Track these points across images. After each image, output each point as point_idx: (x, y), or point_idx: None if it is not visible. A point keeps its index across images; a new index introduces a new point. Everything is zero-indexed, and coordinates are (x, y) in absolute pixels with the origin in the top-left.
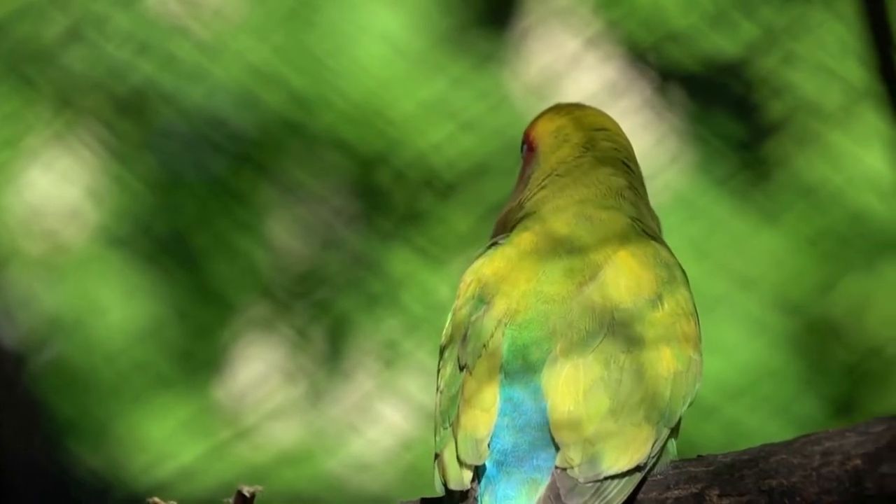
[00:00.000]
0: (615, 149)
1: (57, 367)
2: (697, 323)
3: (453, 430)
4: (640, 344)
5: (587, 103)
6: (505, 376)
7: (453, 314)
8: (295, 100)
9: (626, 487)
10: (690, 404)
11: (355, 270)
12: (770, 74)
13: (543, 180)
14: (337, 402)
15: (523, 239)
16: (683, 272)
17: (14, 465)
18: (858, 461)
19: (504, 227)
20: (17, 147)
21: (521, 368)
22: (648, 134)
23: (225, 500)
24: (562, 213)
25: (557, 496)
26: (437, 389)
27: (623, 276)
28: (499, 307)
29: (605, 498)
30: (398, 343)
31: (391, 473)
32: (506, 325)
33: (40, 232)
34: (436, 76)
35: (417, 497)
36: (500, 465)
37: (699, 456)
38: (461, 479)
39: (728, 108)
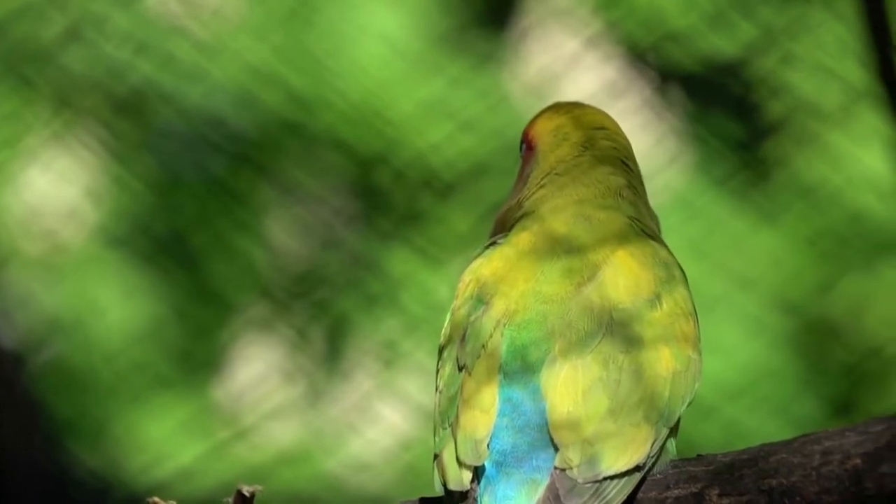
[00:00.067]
0: (614, 148)
1: (56, 367)
2: (696, 322)
3: (452, 431)
4: (638, 344)
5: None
6: (504, 377)
7: (452, 314)
8: (294, 100)
9: (625, 487)
10: (689, 404)
11: (354, 270)
12: (769, 75)
13: (542, 179)
14: (336, 402)
15: (522, 239)
16: (682, 271)
17: (13, 465)
18: (858, 460)
19: (503, 226)
20: (15, 147)
21: (520, 369)
22: (647, 134)
23: (224, 500)
24: (560, 212)
25: (557, 497)
26: (436, 390)
27: (622, 276)
28: (497, 307)
29: (604, 498)
30: (397, 343)
31: (390, 473)
32: (504, 326)
33: (39, 232)
34: (435, 76)
35: (416, 497)
36: (499, 465)
37: (699, 455)
38: (461, 479)
39: (727, 109)
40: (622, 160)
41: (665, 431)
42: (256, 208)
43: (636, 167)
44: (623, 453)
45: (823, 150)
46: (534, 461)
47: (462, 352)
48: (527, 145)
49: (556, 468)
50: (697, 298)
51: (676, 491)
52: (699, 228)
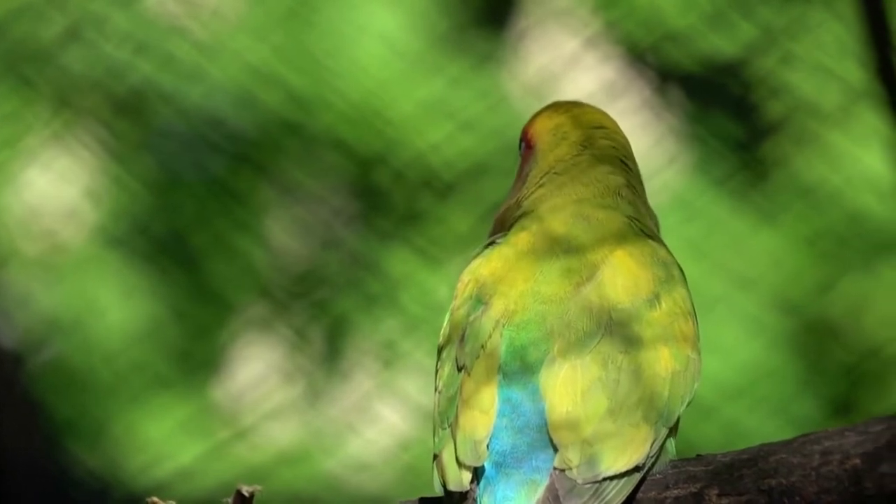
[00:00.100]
0: (613, 147)
1: (55, 367)
2: (695, 322)
3: (452, 431)
4: (637, 344)
5: None
6: (503, 377)
7: (451, 314)
8: (293, 100)
9: (624, 488)
10: (689, 404)
11: (354, 270)
12: (768, 75)
13: (541, 178)
14: (335, 402)
15: (521, 239)
16: (681, 271)
17: (13, 465)
18: (857, 461)
19: (502, 225)
20: (15, 147)
21: (520, 369)
22: (647, 134)
23: (224, 500)
24: (559, 212)
25: (556, 497)
26: (436, 390)
27: (620, 276)
28: (496, 308)
29: (603, 498)
30: (397, 343)
31: (389, 473)
32: (504, 326)
33: (39, 232)
34: (434, 76)
35: (416, 497)
36: (498, 466)
37: (698, 455)
38: (460, 480)
39: (726, 109)
40: (621, 159)
41: (664, 431)
42: (256, 208)
43: (635, 166)
44: (622, 453)
45: (823, 151)
46: (533, 462)
47: (461, 352)
48: (526, 144)
49: (555, 469)
50: (697, 298)
51: (676, 491)
52: (698, 229)
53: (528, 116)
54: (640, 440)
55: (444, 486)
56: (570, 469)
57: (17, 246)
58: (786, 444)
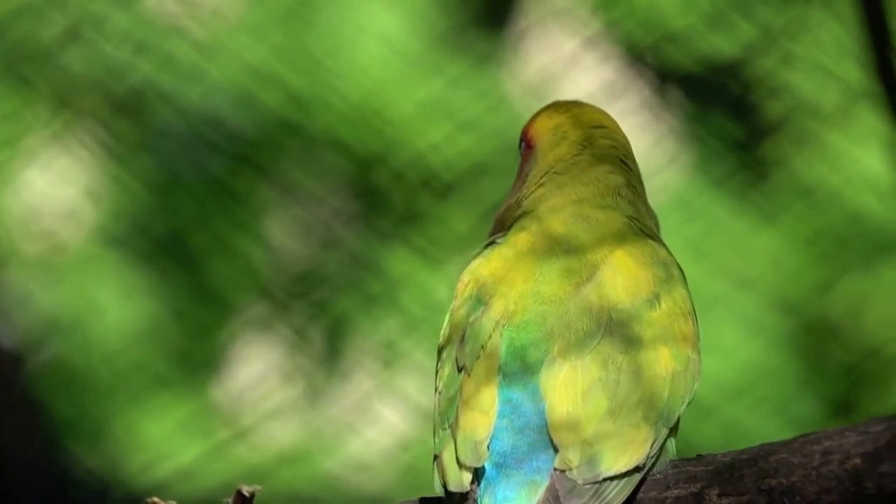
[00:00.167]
0: (613, 146)
1: (55, 367)
2: (695, 322)
3: (452, 432)
4: (637, 344)
5: None
6: (503, 378)
7: (451, 315)
8: (293, 100)
9: (625, 488)
10: (689, 404)
11: (354, 271)
12: (768, 75)
13: (541, 178)
14: (335, 402)
15: (520, 239)
16: (681, 271)
17: (13, 465)
18: (858, 460)
19: (502, 225)
20: (15, 147)
21: (520, 370)
22: (646, 134)
23: (224, 500)
24: (559, 212)
25: (557, 498)
26: (436, 390)
27: (620, 276)
28: (496, 308)
29: (604, 499)
30: (396, 343)
31: (389, 474)
32: (504, 327)
33: (38, 232)
34: (434, 76)
35: (416, 497)
36: (499, 466)
37: (698, 455)
38: (461, 480)
39: (726, 109)
40: (621, 159)
41: (665, 431)
42: (256, 208)
43: (635, 166)
44: (623, 454)
45: (822, 151)
46: (534, 462)
47: (461, 352)
48: (526, 144)
49: (555, 469)
50: (696, 299)
51: (676, 491)
52: (698, 229)
53: (527, 116)
54: (640, 440)
55: (444, 486)
56: (571, 469)
57: (17, 246)
58: (786, 444)
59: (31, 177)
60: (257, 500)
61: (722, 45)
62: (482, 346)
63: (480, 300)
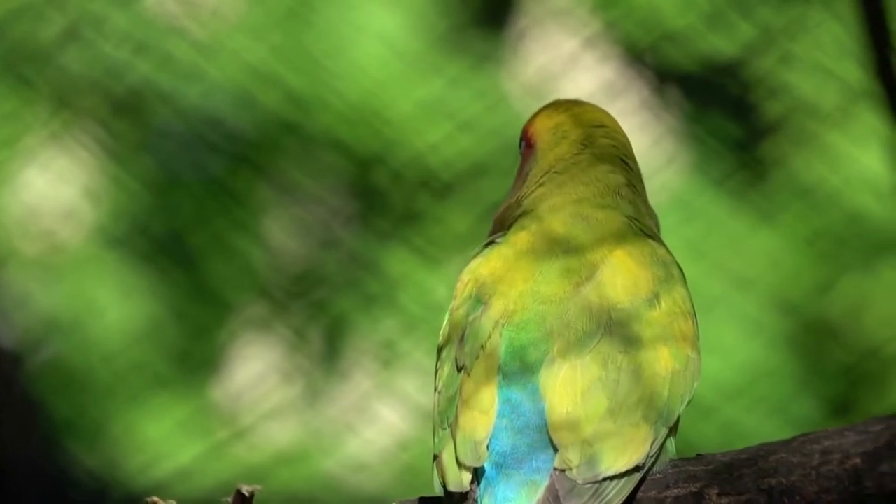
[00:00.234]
0: (613, 146)
1: (54, 367)
2: (695, 322)
3: (452, 432)
4: (637, 343)
5: None
6: (503, 377)
7: (450, 314)
8: (292, 100)
9: (624, 488)
10: (689, 403)
11: (353, 270)
12: (767, 75)
13: (541, 177)
14: (334, 402)
15: (520, 238)
16: (681, 270)
17: (12, 465)
18: (857, 460)
19: (502, 224)
20: (14, 147)
21: (519, 369)
22: (646, 134)
23: (224, 500)
24: (559, 211)
25: (556, 498)
26: (435, 390)
27: (620, 276)
28: (496, 308)
29: (603, 498)
30: (395, 343)
31: (388, 474)
32: (503, 326)
33: (37, 232)
34: (433, 76)
35: (415, 497)
36: (499, 466)
37: (698, 455)
38: (460, 480)
39: (725, 109)
40: (621, 158)
41: (664, 431)
42: (255, 208)
43: (636, 165)
44: (622, 453)
45: (822, 151)
46: (533, 462)
47: (461, 352)
48: (526, 143)
49: (555, 469)
50: (696, 298)
51: (676, 490)
52: (697, 229)
53: (526, 116)
54: (639, 440)
55: (443, 486)
56: (570, 469)
57: (16, 246)
58: (785, 444)
59: (31, 177)
60: (256, 500)
61: (721, 44)
62: (482, 346)
63: (480, 300)
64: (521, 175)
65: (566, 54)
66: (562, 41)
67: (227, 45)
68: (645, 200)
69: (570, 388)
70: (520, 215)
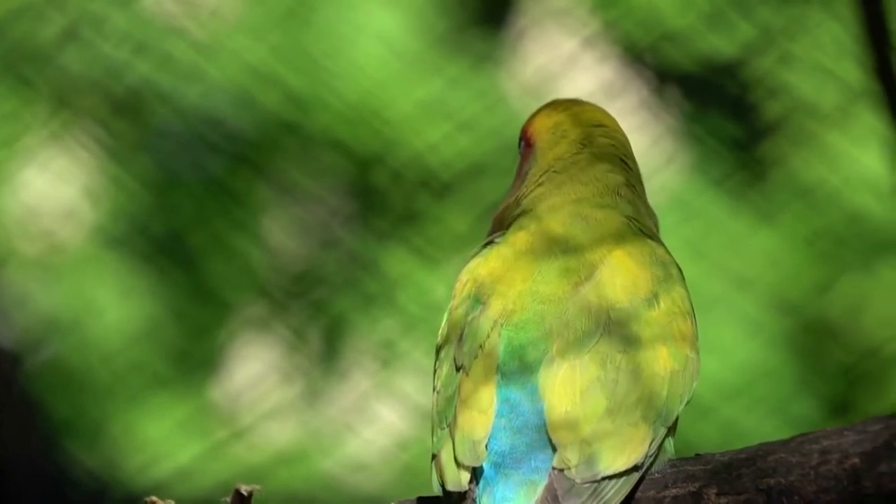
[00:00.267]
0: (613, 145)
1: (53, 367)
2: (694, 321)
3: (450, 431)
4: (636, 343)
5: None
6: (502, 377)
7: (449, 314)
8: (291, 100)
9: (623, 487)
10: (688, 403)
11: (352, 270)
12: (767, 75)
13: (540, 177)
14: (333, 402)
15: (519, 238)
16: (680, 270)
17: (11, 465)
18: (856, 460)
19: (501, 224)
20: (13, 147)
21: (518, 369)
22: (645, 134)
23: (223, 500)
24: (557, 211)
25: (555, 497)
26: (434, 390)
27: (619, 276)
28: (495, 307)
29: (602, 498)
30: (394, 343)
31: (387, 473)
32: (502, 326)
33: (37, 232)
34: (432, 76)
35: (414, 497)
36: (497, 466)
37: (697, 455)
38: (459, 480)
39: (724, 109)
40: (621, 158)
41: (663, 431)
42: (254, 208)
43: (635, 165)
44: (621, 453)
45: (821, 151)
46: (532, 462)
47: (459, 352)
48: (525, 142)
49: (554, 468)
50: (695, 298)
51: (674, 490)
52: (696, 229)
53: (526, 116)
54: (638, 439)
55: (442, 486)
56: (569, 469)
57: (15, 246)
58: (784, 444)
59: (30, 177)
60: (255, 500)
61: (721, 44)
62: (480, 346)
63: (479, 299)
64: (520, 175)
65: (565, 54)
66: (561, 41)
67: (226, 45)
68: (644, 200)
69: (569, 387)
70: (519, 215)
